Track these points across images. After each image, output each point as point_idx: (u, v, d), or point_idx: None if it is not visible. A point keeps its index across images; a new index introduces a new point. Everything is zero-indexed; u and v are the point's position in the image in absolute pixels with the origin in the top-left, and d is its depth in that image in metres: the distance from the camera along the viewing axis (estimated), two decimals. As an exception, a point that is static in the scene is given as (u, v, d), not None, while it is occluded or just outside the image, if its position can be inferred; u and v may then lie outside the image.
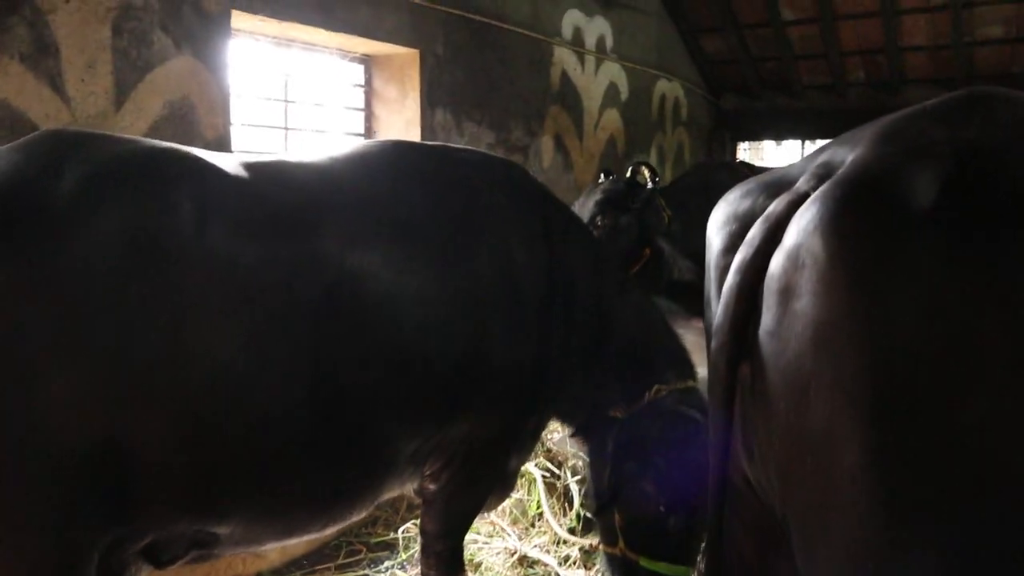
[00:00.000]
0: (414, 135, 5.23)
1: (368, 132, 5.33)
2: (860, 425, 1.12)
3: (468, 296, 2.28)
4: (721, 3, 7.34)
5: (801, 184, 1.35)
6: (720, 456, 1.48)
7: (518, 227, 2.48)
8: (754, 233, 1.37)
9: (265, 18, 4.25)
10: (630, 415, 2.66)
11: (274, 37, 4.59)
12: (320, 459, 2.04)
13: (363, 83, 5.30)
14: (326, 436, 2.02)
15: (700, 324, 5.60)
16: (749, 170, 5.87)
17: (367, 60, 5.31)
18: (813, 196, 1.27)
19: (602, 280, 2.75)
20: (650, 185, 4.21)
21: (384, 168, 2.36)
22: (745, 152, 8.75)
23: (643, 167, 4.27)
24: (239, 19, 4.15)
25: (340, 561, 3.87)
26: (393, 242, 2.17)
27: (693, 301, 5.28)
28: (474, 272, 2.31)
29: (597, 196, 4.32)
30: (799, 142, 8.29)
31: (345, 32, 4.67)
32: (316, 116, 5.03)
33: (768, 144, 8.73)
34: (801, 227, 1.25)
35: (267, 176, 2.09)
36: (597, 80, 6.72)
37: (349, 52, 5.03)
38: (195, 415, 1.80)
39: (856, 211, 1.19)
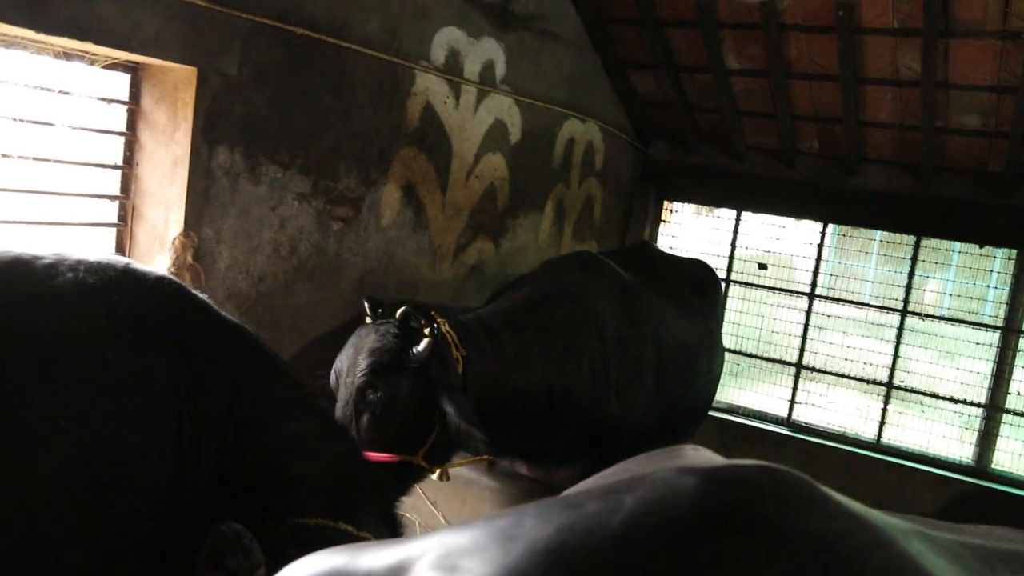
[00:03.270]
0: (180, 179, 3.98)
1: (128, 163, 4.09)
2: None
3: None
4: (655, 36, 6.06)
5: None
6: None
7: (127, 410, 1.77)
8: None
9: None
10: None
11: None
12: None
13: (127, 99, 4.05)
14: None
15: (525, 469, 4.25)
16: (640, 266, 4.60)
17: (135, 69, 4.05)
18: None
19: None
20: (426, 332, 2.95)
21: None
22: (675, 212, 7.44)
23: (408, 314, 3.00)
24: None
25: None
26: None
27: (516, 440, 4.04)
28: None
29: (364, 360, 2.95)
30: (734, 211, 7.02)
31: (71, 37, 3.40)
32: (49, 139, 3.79)
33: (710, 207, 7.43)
34: None
35: None
36: (477, 117, 5.44)
37: (89, 55, 3.75)
38: None
39: None
